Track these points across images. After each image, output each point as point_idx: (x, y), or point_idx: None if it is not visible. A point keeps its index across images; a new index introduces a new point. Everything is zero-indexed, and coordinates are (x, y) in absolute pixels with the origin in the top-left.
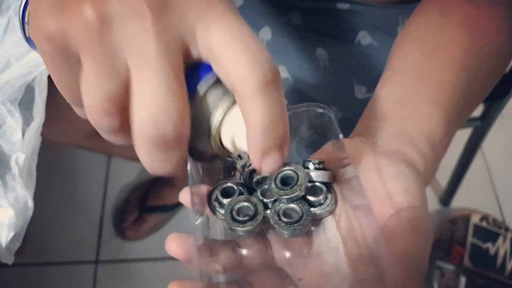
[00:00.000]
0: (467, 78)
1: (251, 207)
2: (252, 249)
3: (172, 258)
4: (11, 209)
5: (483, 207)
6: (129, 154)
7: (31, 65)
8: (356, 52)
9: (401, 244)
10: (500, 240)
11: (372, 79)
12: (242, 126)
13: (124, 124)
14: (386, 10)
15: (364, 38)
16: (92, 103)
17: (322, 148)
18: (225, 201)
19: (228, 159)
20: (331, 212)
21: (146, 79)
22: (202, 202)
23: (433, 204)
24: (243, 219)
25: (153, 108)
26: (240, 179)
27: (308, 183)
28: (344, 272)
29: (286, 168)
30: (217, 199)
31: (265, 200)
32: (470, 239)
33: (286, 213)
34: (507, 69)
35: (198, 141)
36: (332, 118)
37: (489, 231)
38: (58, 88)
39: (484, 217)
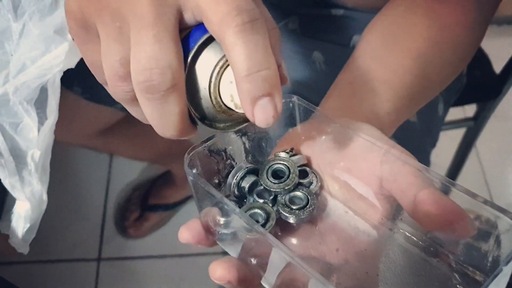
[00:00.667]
0: (423, 64)
1: (262, 213)
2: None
3: (173, 256)
4: (28, 202)
5: (477, 206)
6: (131, 153)
7: (45, 68)
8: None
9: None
10: (492, 240)
11: None
12: (227, 86)
13: None
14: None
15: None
16: (107, 71)
17: (285, 135)
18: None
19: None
20: (322, 187)
21: (142, 38)
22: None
23: None
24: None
25: (146, 60)
26: (229, 194)
27: (297, 170)
28: (366, 226)
29: (274, 163)
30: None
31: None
32: None
33: (293, 201)
34: (498, 71)
35: (203, 103)
36: (295, 105)
37: (482, 231)
38: (89, 68)
39: (478, 217)
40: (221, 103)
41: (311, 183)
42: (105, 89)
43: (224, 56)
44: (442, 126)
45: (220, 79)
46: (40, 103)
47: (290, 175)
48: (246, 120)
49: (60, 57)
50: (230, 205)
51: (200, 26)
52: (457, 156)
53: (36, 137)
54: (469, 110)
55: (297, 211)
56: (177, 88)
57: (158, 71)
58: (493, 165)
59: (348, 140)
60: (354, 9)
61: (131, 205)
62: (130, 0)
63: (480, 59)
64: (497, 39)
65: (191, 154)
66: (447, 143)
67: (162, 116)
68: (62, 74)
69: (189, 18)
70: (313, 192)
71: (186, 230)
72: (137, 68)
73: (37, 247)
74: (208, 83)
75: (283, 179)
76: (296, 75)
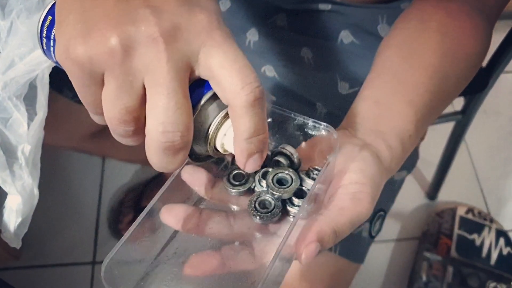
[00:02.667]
0: (438, 81)
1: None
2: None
3: None
4: (19, 196)
5: (469, 200)
6: (123, 155)
7: (34, 64)
8: (339, 51)
9: (336, 209)
10: (485, 231)
11: (354, 76)
12: (232, 134)
13: (137, 130)
14: (365, 9)
15: (346, 37)
16: (112, 114)
17: (313, 138)
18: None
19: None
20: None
21: (159, 95)
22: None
23: (419, 198)
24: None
25: (164, 120)
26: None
27: (296, 189)
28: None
29: (285, 171)
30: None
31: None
32: (456, 231)
33: (261, 203)
34: (484, 64)
35: (196, 145)
36: (337, 143)
37: (475, 223)
38: (82, 102)
39: (470, 210)
40: (213, 149)
41: (298, 205)
42: None
43: (223, 112)
44: None
45: (218, 131)
46: (29, 99)
47: (287, 189)
48: (223, 156)
49: None
50: None
51: (203, 82)
52: (447, 150)
53: (26, 132)
54: (457, 103)
55: (257, 212)
56: (187, 146)
57: (179, 134)
58: (483, 159)
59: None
60: (342, 3)
61: (124, 207)
62: (151, 62)
63: None
64: None
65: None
66: (437, 138)
67: (168, 163)
68: (50, 70)
69: (196, 76)
70: (287, 209)
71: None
72: (158, 130)
73: (31, 252)
74: (206, 132)
75: (281, 186)
76: (286, 71)
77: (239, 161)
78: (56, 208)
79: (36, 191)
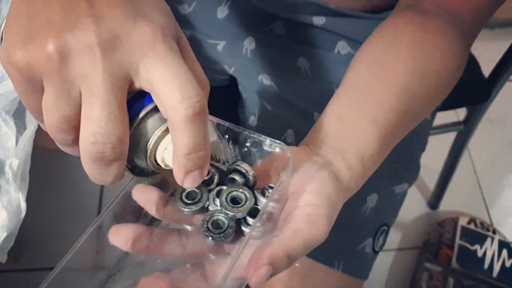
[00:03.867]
0: (406, 98)
1: (198, 193)
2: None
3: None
4: (4, 211)
5: (471, 210)
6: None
7: None
8: (336, 61)
9: (290, 231)
10: (487, 242)
11: None
12: (163, 151)
13: (76, 140)
14: (359, 20)
15: (343, 48)
16: (50, 122)
17: (269, 156)
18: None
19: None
20: (252, 232)
21: (92, 106)
22: None
23: (421, 207)
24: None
25: (95, 131)
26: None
27: (250, 208)
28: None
29: (239, 190)
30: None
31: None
32: (458, 241)
33: (214, 223)
34: (487, 75)
35: (137, 159)
36: (291, 161)
37: (477, 233)
38: (27, 108)
39: (472, 220)
40: (154, 162)
41: (250, 225)
42: None
43: (164, 125)
44: (430, 129)
45: (158, 145)
46: (18, 113)
47: (240, 208)
48: (165, 171)
49: None
50: None
51: (145, 95)
52: (449, 159)
53: (14, 146)
54: (460, 113)
55: (209, 232)
56: (121, 158)
57: (110, 146)
58: (487, 168)
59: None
60: (336, 13)
61: None
62: (86, 71)
63: (469, 63)
64: (489, 43)
65: None
66: (439, 147)
67: (101, 174)
68: None
69: (136, 88)
70: (240, 229)
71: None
72: (89, 140)
73: (30, 254)
74: (145, 146)
75: (235, 206)
76: (282, 81)
77: (177, 177)
78: (56, 210)
79: (23, 205)
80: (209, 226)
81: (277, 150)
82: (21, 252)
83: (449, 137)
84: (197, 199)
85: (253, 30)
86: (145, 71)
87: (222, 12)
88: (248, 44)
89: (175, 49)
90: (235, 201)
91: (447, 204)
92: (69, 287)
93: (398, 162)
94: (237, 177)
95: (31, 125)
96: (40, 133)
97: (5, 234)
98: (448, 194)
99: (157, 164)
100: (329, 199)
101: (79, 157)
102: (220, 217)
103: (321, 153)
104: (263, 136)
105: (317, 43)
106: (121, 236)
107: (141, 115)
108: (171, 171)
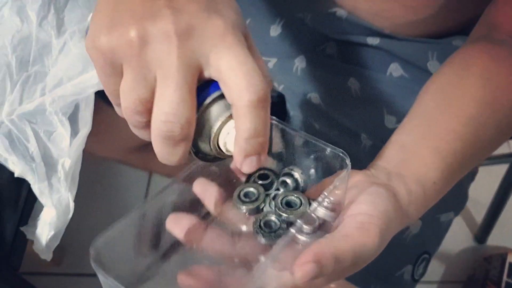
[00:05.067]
0: (473, 128)
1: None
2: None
3: None
4: (54, 210)
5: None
6: (167, 171)
7: (82, 87)
8: (388, 83)
9: (339, 235)
10: None
11: (402, 110)
12: (234, 135)
13: (149, 122)
14: (415, 44)
15: (396, 70)
16: (127, 104)
17: (331, 177)
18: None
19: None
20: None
21: (166, 87)
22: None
23: (467, 240)
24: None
25: (167, 111)
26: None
27: (303, 212)
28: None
29: (295, 195)
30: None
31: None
32: (505, 278)
33: (267, 223)
34: None
35: (201, 143)
36: (348, 168)
37: None
38: (105, 92)
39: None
40: (216, 146)
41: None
42: None
43: (227, 112)
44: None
45: (221, 130)
46: (74, 115)
47: (295, 211)
48: (227, 157)
49: (96, 78)
50: None
51: (214, 84)
52: (499, 192)
53: (67, 147)
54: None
55: (262, 231)
56: (187, 139)
57: (179, 126)
58: None
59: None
60: (391, 36)
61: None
62: (163, 57)
63: None
64: None
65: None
66: (489, 180)
67: (169, 154)
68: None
69: (205, 76)
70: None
71: None
72: (161, 119)
73: (72, 259)
74: (209, 130)
75: (289, 209)
76: (331, 100)
77: (237, 160)
78: (99, 218)
79: (72, 205)
80: (261, 225)
81: (337, 158)
82: (63, 256)
83: (499, 170)
84: (254, 199)
85: (305, 49)
86: (214, 60)
87: (275, 30)
88: (299, 63)
89: (243, 43)
90: (289, 205)
91: (495, 239)
92: (119, 252)
93: None
94: (288, 181)
95: (84, 128)
96: (88, 140)
97: (52, 233)
98: (496, 229)
99: (219, 149)
100: (384, 212)
101: (129, 166)
102: (272, 218)
103: (380, 176)
104: (323, 142)
105: (369, 64)
106: (178, 226)
107: (208, 100)
108: (231, 157)
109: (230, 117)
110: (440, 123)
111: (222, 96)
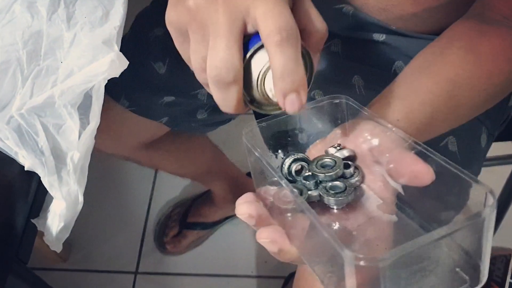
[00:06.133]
0: (448, 87)
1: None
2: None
3: (208, 275)
4: (64, 201)
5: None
6: (173, 169)
7: (91, 75)
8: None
9: None
10: None
11: None
12: (271, 80)
13: None
14: (420, 41)
15: (401, 68)
16: (194, 64)
17: (332, 133)
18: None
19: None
20: (362, 181)
21: (215, 40)
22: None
23: None
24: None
25: (216, 58)
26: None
27: (342, 165)
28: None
29: (324, 157)
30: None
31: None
32: (509, 279)
33: (333, 188)
34: None
35: (251, 90)
36: (343, 105)
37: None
38: (185, 61)
39: None
40: (264, 93)
41: (352, 174)
42: (151, 103)
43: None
44: (484, 159)
45: (265, 76)
46: (83, 108)
47: (335, 167)
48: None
49: (105, 66)
50: (282, 179)
51: (257, 35)
52: (504, 194)
53: (76, 140)
54: None
55: (335, 195)
56: (237, 81)
57: (225, 70)
58: None
59: (389, 141)
60: (397, 33)
61: (170, 221)
62: (212, 16)
63: None
64: None
65: (251, 128)
66: (493, 179)
67: (225, 99)
68: (106, 81)
69: (250, 28)
70: (352, 183)
71: (241, 199)
72: (211, 66)
73: (78, 255)
74: (257, 77)
75: (328, 169)
76: None
77: (279, 100)
78: (106, 214)
79: (81, 198)
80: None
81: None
82: (70, 252)
83: (504, 170)
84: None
85: None
86: (252, 11)
87: None
88: None
89: None
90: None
91: (499, 240)
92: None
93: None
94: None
95: (93, 121)
96: (96, 136)
97: (62, 224)
98: (500, 230)
99: (267, 95)
100: None
101: (136, 163)
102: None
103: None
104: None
105: (374, 62)
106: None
107: (251, 50)
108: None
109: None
110: (414, 81)
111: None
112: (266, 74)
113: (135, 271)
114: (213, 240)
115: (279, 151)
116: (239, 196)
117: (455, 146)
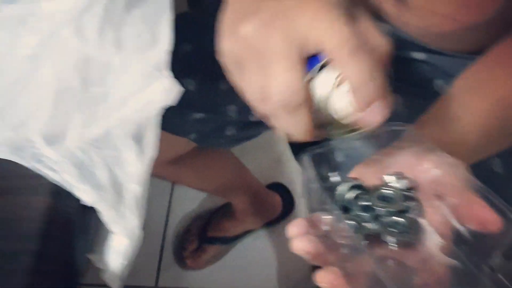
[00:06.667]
0: (501, 107)
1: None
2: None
3: None
4: (125, 238)
5: None
6: (195, 184)
7: (144, 103)
8: (433, 100)
9: None
10: None
11: None
12: (341, 98)
13: None
14: (460, 60)
15: (441, 86)
16: (252, 95)
17: (382, 156)
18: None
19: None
20: (422, 215)
21: (273, 64)
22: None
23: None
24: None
25: (281, 85)
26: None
27: (403, 198)
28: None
29: (383, 187)
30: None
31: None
32: None
33: (393, 224)
34: None
35: (317, 112)
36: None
37: None
38: (239, 89)
39: None
40: (333, 114)
41: (413, 208)
42: (178, 120)
43: (336, 77)
44: None
45: (331, 97)
46: (136, 138)
47: (396, 201)
48: (352, 130)
49: (158, 93)
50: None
51: (316, 57)
52: None
53: (135, 172)
54: None
55: (398, 234)
56: (303, 104)
57: (290, 93)
58: None
59: (454, 176)
60: (437, 52)
61: (190, 235)
62: (267, 42)
63: None
64: None
65: (312, 154)
66: None
67: (294, 125)
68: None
69: (309, 51)
70: (414, 220)
71: (294, 225)
72: (275, 91)
73: (95, 271)
74: (323, 98)
75: (389, 202)
76: None
77: (361, 109)
78: None
79: (140, 233)
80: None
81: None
82: (88, 268)
83: None
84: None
85: None
86: (313, 33)
87: None
88: None
89: (336, 11)
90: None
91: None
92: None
93: None
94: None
95: (150, 152)
96: None
97: (125, 262)
98: None
99: (336, 115)
100: None
101: (154, 176)
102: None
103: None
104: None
105: (413, 80)
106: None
107: (314, 71)
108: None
109: (337, 82)
110: (466, 103)
111: (325, 64)
112: (331, 95)
113: (154, 285)
114: (234, 255)
115: (328, 173)
116: (260, 209)
117: (500, 166)
